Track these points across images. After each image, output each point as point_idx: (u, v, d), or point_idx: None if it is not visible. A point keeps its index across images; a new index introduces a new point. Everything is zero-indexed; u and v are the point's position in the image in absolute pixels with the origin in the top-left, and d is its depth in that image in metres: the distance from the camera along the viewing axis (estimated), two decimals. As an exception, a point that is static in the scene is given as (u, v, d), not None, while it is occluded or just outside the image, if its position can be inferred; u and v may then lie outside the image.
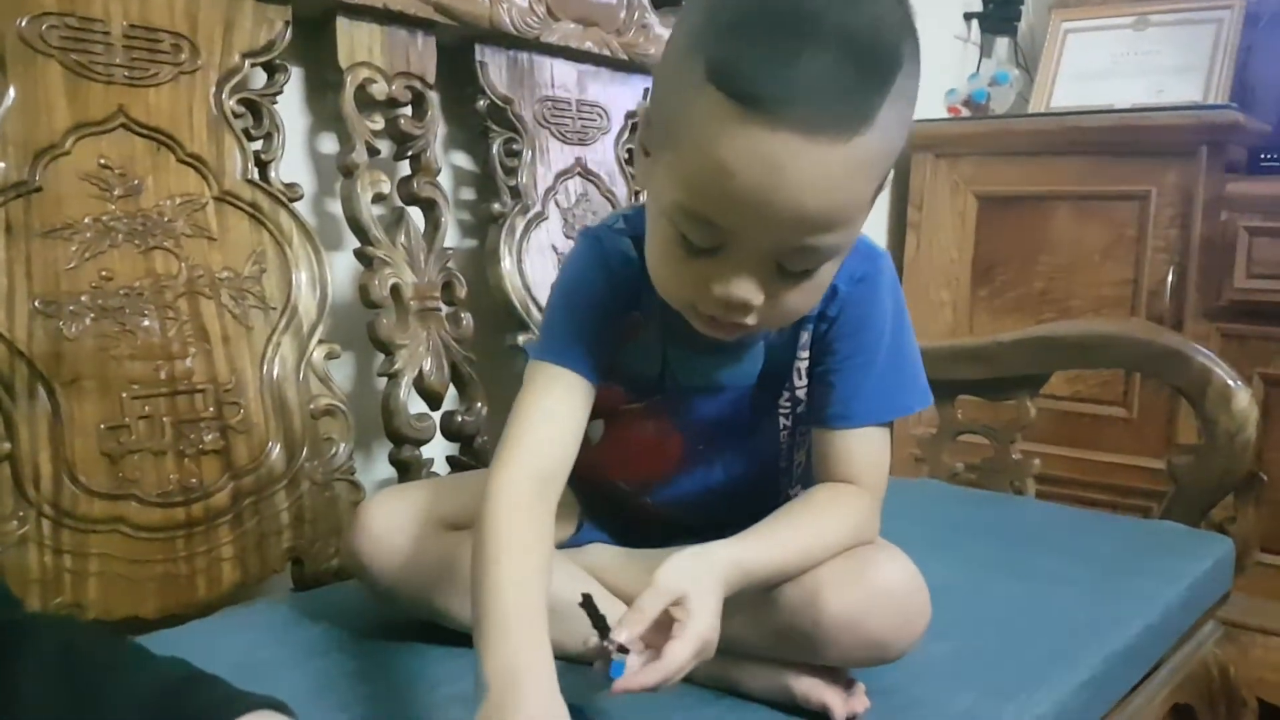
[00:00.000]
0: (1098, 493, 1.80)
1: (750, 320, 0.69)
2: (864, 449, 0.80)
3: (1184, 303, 1.77)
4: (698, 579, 0.67)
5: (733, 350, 0.81)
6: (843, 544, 0.75)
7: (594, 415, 0.87)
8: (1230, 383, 1.24)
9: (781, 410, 0.85)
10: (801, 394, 0.83)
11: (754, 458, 0.87)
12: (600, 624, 0.66)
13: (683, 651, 0.64)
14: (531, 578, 0.67)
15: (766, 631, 0.74)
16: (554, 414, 0.77)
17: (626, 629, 0.64)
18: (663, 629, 0.65)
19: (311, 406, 1.02)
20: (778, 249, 0.66)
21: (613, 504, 0.92)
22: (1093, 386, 1.86)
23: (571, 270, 0.83)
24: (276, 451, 0.99)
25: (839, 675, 0.77)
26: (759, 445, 0.86)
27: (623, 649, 0.64)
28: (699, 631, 0.65)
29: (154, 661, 0.53)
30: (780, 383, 0.83)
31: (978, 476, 1.46)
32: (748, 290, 0.67)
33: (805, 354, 0.81)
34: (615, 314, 0.80)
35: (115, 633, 0.54)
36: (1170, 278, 1.78)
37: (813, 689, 0.75)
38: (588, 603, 0.67)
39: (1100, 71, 2.07)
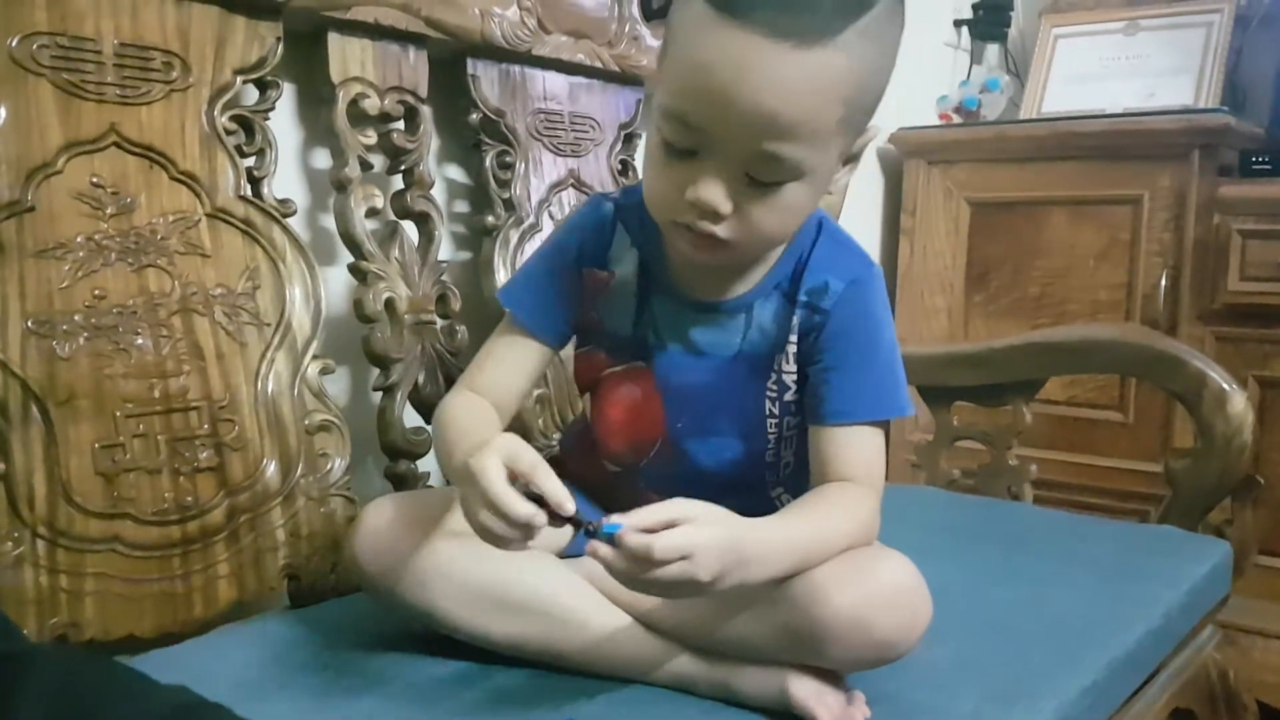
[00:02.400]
0: (1095, 497, 1.80)
1: (722, 232, 0.75)
2: (861, 447, 0.82)
3: (1178, 306, 1.78)
4: (712, 512, 0.69)
5: (713, 313, 0.85)
6: (851, 540, 0.76)
7: (582, 385, 0.93)
8: (1225, 386, 1.24)
9: (769, 393, 0.86)
10: (789, 380, 0.85)
11: (742, 445, 0.88)
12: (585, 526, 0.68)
13: (671, 537, 0.66)
14: (484, 414, 0.84)
15: (769, 631, 0.74)
16: (503, 360, 0.90)
17: (625, 516, 0.67)
18: None
19: (306, 422, 1.02)
20: (744, 154, 0.72)
21: (606, 499, 0.93)
22: (1089, 391, 1.87)
23: (553, 232, 0.95)
24: (272, 468, 0.99)
25: (838, 681, 0.77)
26: (746, 431, 0.87)
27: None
28: (691, 538, 0.66)
29: (156, 690, 0.53)
30: (766, 363, 0.85)
31: (975, 482, 1.46)
32: (716, 194, 0.73)
33: (794, 339, 0.84)
34: (579, 269, 0.89)
35: (116, 662, 0.54)
36: (1164, 281, 1.78)
37: (812, 694, 0.75)
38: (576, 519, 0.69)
39: (1091, 76, 2.07)
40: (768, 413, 0.87)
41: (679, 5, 0.75)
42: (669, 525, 0.67)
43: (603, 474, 0.94)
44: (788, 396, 0.86)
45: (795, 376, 0.85)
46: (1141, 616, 0.98)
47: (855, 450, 0.82)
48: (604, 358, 0.90)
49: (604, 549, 0.66)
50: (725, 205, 0.74)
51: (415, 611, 0.83)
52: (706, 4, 0.70)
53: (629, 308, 0.88)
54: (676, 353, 0.87)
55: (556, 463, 0.94)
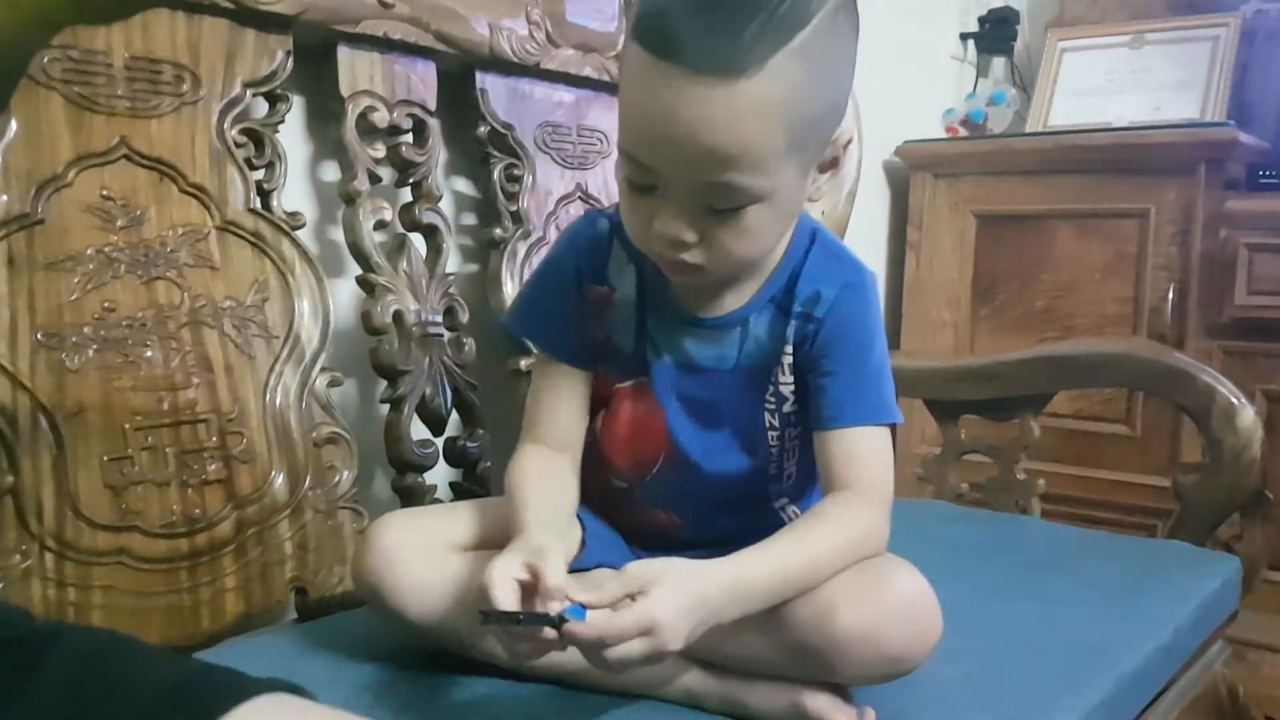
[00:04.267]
0: (1102, 511, 1.79)
1: (692, 259, 0.76)
2: (863, 451, 0.81)
3: (1185, 320, 1.78)
4: (669, 578, 0.68)
5: (709, 329, 0.85)
6: (854, 553, 0.76)
7: (596, 404, 0.92)
8: (1234, 401, 1.24)
9: (767, 405, 0.86)
10: (787, 391, 0.85)
11: (744, 458, 0.87)
12: (530, 619, 0.67)
13: (623, 618, 0.65)
14: (539, 481, 0.82)
15: (779, 648, 0.74)
16: (554, 401, 0.88)
17: (581, 592, 0.67)
18: None
19: (314, 435, 1.02)
20: (697, 186, 0.72)
21: (614, 514, 0.93)
22: (1095, 404, 1.86)
23: (548, 252, 0.94)
24: (280, 480, 0.99)
25: (850, 695, 0.77)
26: (747, 445, 0.87)
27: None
28: (650, 611, 0.66)
29: (170, 655, 0.53)
30: (764, 377, 0.85)
31: (983, 496, 1.46)
32: (677, 227, 0.74)
33: (789, 349, 0.84)
34: (579, 286, 0.88)
35: (133, 638, 0.54)
36: (1171, 295, 1.78)
37: (824, 710, 0.74)
38: (489, 618, 0.68)
39: (1097, 90, 2.08)
40: (768, 425, 0.86)
41: (625, 45, 0.76)
42: (631, 594, 0.67)
43: (610, 489, 0.93)
44: (786, 408, 0.85)
45: (793, 387, 0.85)
46: (1151, 633, 0.98)
47: (855, 453, 0.81)
48: (613, 374, 0.89)
49: (576, 637, 0.66)
50: (689, 235, 0.74)
51: (424, 631, 0.82)
52: (639, 46, 0.71)
53: (631, 323, 0.87)
54: (675, 368, 0.86)
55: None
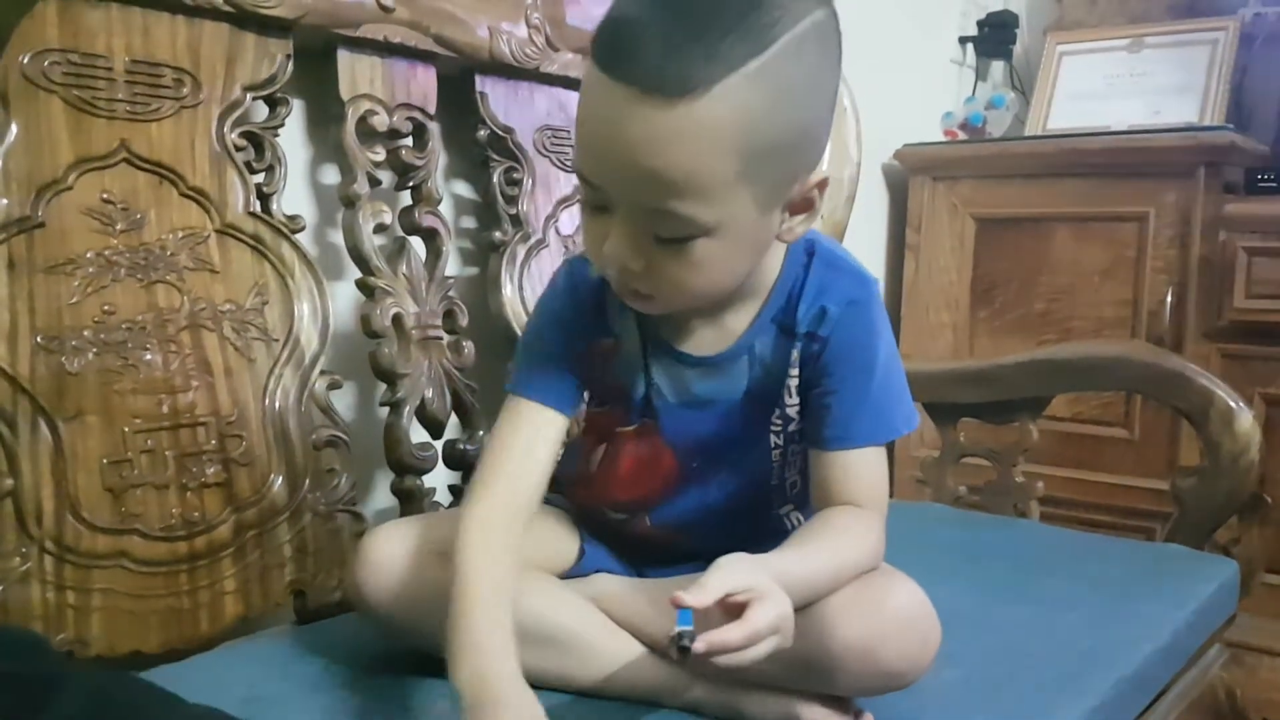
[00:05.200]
0: (1100, 514, 1.80)
1: (642, 288, 0.73)
2: (864, 470, 0.80)
3: (1184, 323, 1.78)
4: (757, 571, 0.67)
5: (715, 365, 0.83)
6: (862, 567, 0.76)
7: (594, 440, 0.90)
8: (1232, 405, 1.24)
9: (773, 428, 0.85)
10: (792, 412, 0.84)
11: (747, 476, 0.87)
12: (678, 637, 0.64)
13: (764, 614, 0.64)
14: (500, 600, 0.72)
15: (778, 661, 0.72)
16: (523, 449, 0.82)
17: (692, 595, 0.63)
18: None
19: (314, 438, 1.02)
20: (642, 211, 0.69)
21: (612, 529, 0.92)
22: (1094, 407, 1.86)
23: (541, 301, 0.88)
24: (279, 483, 0.99)
25: (849, 706, 0.77)
26: (752, 464, 0.86)
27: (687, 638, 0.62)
28: (782, 607, 0.65)
29: (184, 708, 0.53)
30: (771, 400, 0.84)
31: (981, 499, 1.46)
32: (623, 252, 0.71)
33: (795, 371, 0.82)
34: (583, 338, 0.84)
35: (144, 680, 0.54)
36: (1170, 298, 1.78)
37: (825, 719, 0.74)
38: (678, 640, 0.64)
39: (1096, 93, 2.08)
40: (773, 445, 0.86)
41: (587, 60, 0.72)
42: (728, 586, 0.65)
43: (608, 515, 0.93)
44: (791, 428, 0.85)
45: (798, 408, 0.83)
46: (1149, 636, 0.98)
47: (857, 473, 0.80)
48: (619, 416, 0.87)
49: (726, 645, 0.63)
50: (634, 262, 0.71)
51: (423, 644, 0.81)
52: (592, 63, 0.68)
53: (638, 369, 0.85)
54: (683, 408, 0.84)
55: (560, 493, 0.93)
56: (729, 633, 0.63)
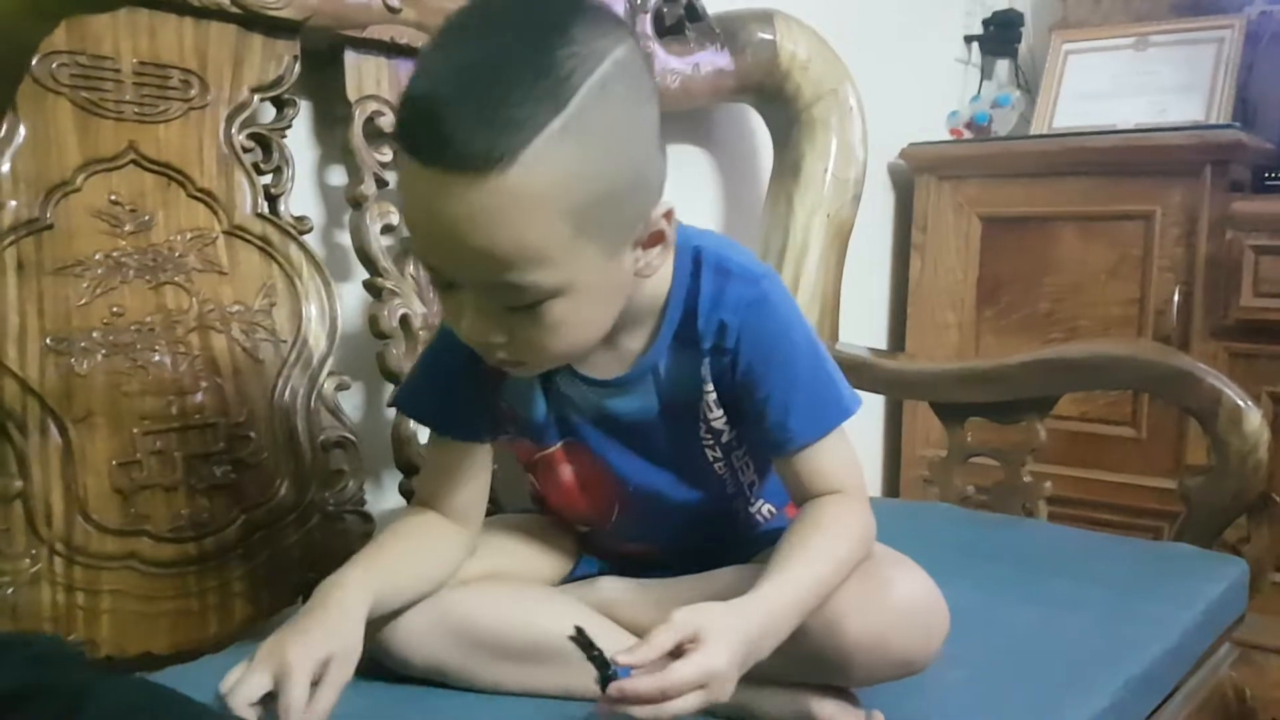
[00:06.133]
0: (1107, 513, 1.79)
1: (509, 356, 0.72)
2: (827, 461, 0.79)
3: (1191, 322, 1.77)
4: (716, 623, 0.66)
5: (619, 386, 0.81)
6: (856, 555, 0.75)
7: (524, 466, 0.90)
8: (1241, 404, 1.24)
9: (704, 442, 0.83)
10: (720, 424, 0.82)
11: (698, 488, 0.86)
12: (596, 657, 0.66)
13: (684, 670, 0.63)
14: (392, 547, 0.80)
15: (787, 656, 0.73)
16: (447, 469, 0.85)
17: (632, 653, 0.64)
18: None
19: (321, 438, 1.02)
20: (483, 286, 0.67)
21: (588, 544, 0.93)
22: (1101, 407, 1.86)
23: (439, 327, 0.88)
24: (287, 484, 0.99)
25: (856, 700, 0.77)
26: (695, 476, 0.85)
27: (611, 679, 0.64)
28: (708, 663, 0.64)
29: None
30: (691, 416, 0.82)
31: (989, 499, 1.46)
32: (479, 328, 0.70)
33: (710, 387, 0.80)
34: (476, 361, 0.78)
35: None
36: (1176, 297, 1.78)
37: (833, 714, 0.75)
38: (580, 636, 0.67)
39: (1102, 92, 2.07)
40: (711, 460, 0.85)
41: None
42: (679, 644, 0.65)
43: (577, 532, 0.93)
44: (725, 439, 0.83)
45: (725, 419, 0.82)
46: (1158, 636, 0.98)
47: (820, 468, 0.79)
48: (528, 443, 0.87)
49: (636, 693, 0.63)
50: (493, 335, 0.70)
51: (420, 670, 0.82)
52: (399, 145, 0.66)
53: (533, 392, 0.84)
54: (603, 426, 0.83)
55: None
56: (640, 682, 0.63)
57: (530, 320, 0.68)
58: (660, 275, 0.78)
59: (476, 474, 0.86)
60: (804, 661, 0.74)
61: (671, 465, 0.85)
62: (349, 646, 0.71)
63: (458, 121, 0.62)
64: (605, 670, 0.65)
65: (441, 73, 0.64)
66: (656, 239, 0.73)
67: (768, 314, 0.78)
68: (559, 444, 0.86)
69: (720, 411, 0.82)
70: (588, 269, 0.68)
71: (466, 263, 0.66)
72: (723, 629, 0.66)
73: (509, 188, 0.62)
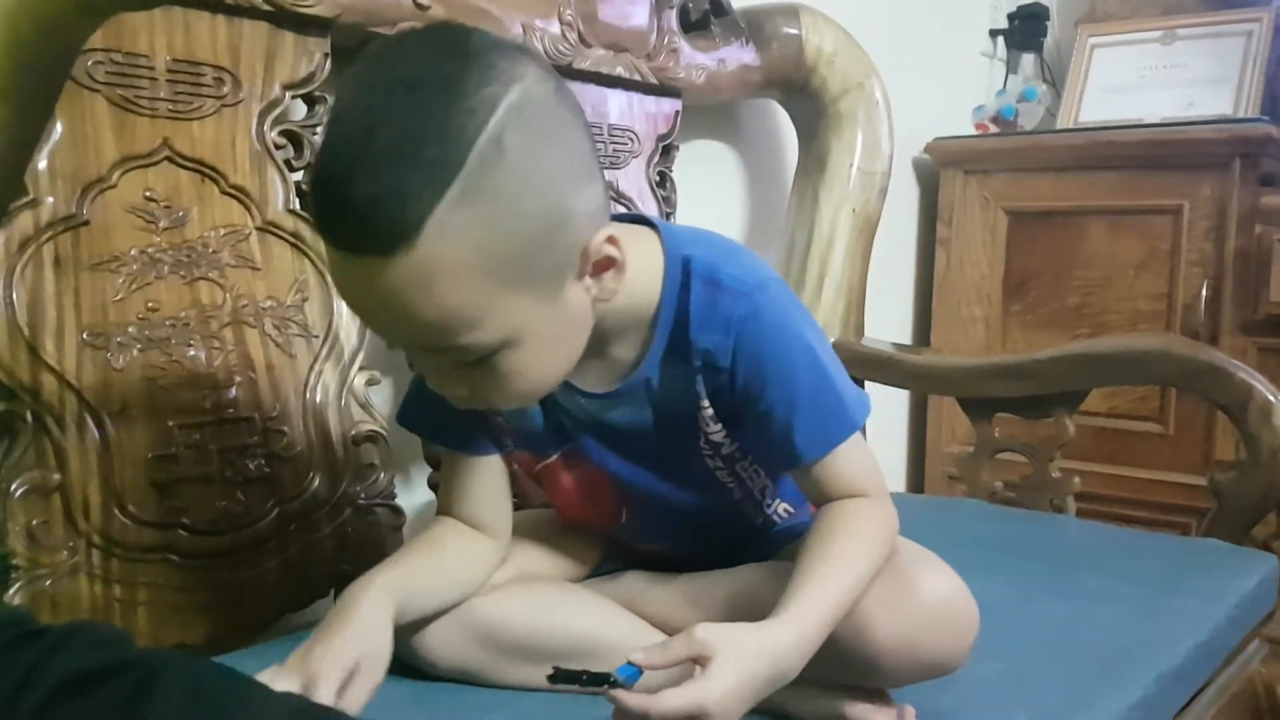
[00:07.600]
0: (1135, 509, 1.78)
1: (480, 404, 0.73)
2: (842, 469, 0.78)
3: (1219, 316, 1.76)
4: (733, 651, 0.66)
5: (612, 398, 0.80)
6: (879, 558, 0.74)
7: (527, 477, 0.91)
8: (1272, 399, 1.23)
9: (705, 453, 0.82)
10: (719, 438, 0.81)
11: (702, 494, 0.85)
12: (587, 680, 0.66)
13: (674, 700, 0.63)
14: (421, 551, 0.82)
15: (819, 659, 0.72)
16: (464, 481, 0.86)
17: (644, 654, 0.65)
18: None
19: (353, 432, 1.03)
20: (431, 350, 0.68)
21: (608, 543, 0.93)
22: (1129, 402, 1.85)
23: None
24: (320, 478, 1.00)
25: (889, 698, 0.77)
26: (700, 484, 0.84)
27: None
28: (701, 695, 0.64)
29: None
30: (688, 431, 0.81)
31: (1017, 495, 1.45)
32: (444, 385, 0.71)
33: (706, 403, 0.79)
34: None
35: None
36: (1205, 292, 1.77)
37: (866, 714, 0.75)
38: (558, 674, 0.67)
39: (1128, 85, 2.06)
40: (714, 469, 0.84)
41: None
42: (694, 658, 0.65)
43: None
44: (725, 450, 0.82)
45: (724, 433, 0.81)
46: (1189, 631, 0.98)
47: (836, 474, 0.77)
48: (528, 455, 0.87)
49: (623, 705, 0.64)
50: (458, 389, 0.71)
51: (448, 674, 0.82)
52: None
53: (531, 406, 0.82)
54: (600, 435, 0.83)
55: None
56: (630, 699, 0.63)
57: (485, 372, 0.68)
58: (648, 284, 0.76)
59: (490, 482, 0.86)
60: (833, 663, 0.73)
61: (672, 474, 0.84)
62: (377, 652, 0.72)
63: (358, 203, 0.60)
64: (603, 682, 0.65)
65: (339, 148, 0.63)
66: (605, 265, 0.70)
67: (761, 330, 0.76)
68: (558, 454, 0.85)
69: (719, 426, 0.80)
70: (529, 317, 0.67)
71: (404, 332, 0.67)
72: (735, 660, 0.65)
73: (419, 262, 0.61)
